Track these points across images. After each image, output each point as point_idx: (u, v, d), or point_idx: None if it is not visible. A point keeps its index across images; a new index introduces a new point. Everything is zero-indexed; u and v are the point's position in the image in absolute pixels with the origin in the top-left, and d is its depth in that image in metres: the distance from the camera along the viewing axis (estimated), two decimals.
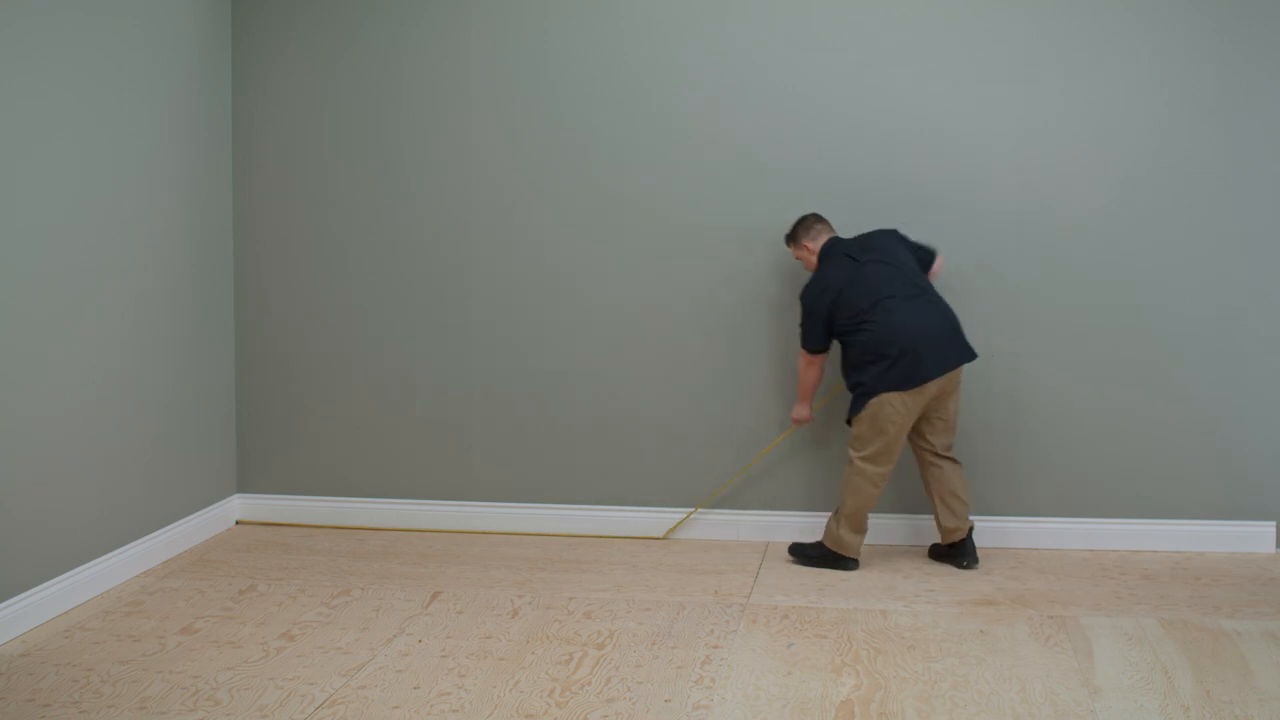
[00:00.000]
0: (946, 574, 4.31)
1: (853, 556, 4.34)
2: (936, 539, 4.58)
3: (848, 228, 4.60)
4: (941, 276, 4.50)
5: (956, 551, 4.39)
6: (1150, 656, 3.47)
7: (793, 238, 4.46)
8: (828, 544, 4.36)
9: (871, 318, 4.16)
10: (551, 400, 4.90)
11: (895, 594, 4.09)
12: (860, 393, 4.21)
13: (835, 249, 4.33)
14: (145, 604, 4.04)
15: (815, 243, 4.41)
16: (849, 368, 4.28)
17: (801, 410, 4.55)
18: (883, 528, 4.70)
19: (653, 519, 4.84)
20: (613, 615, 3.89)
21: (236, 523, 5.11)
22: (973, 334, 4.50)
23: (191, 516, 4.76)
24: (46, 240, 3.88)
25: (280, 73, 4.98)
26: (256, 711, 3.14)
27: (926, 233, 4.55)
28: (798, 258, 4.50)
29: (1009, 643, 3.60)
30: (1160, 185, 4.50)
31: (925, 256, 4.40)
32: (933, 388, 4.16)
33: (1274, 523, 4.55)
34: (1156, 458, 4.58)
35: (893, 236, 4.36)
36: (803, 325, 4.36)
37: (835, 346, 4.50)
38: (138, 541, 4.39)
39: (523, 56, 4.82)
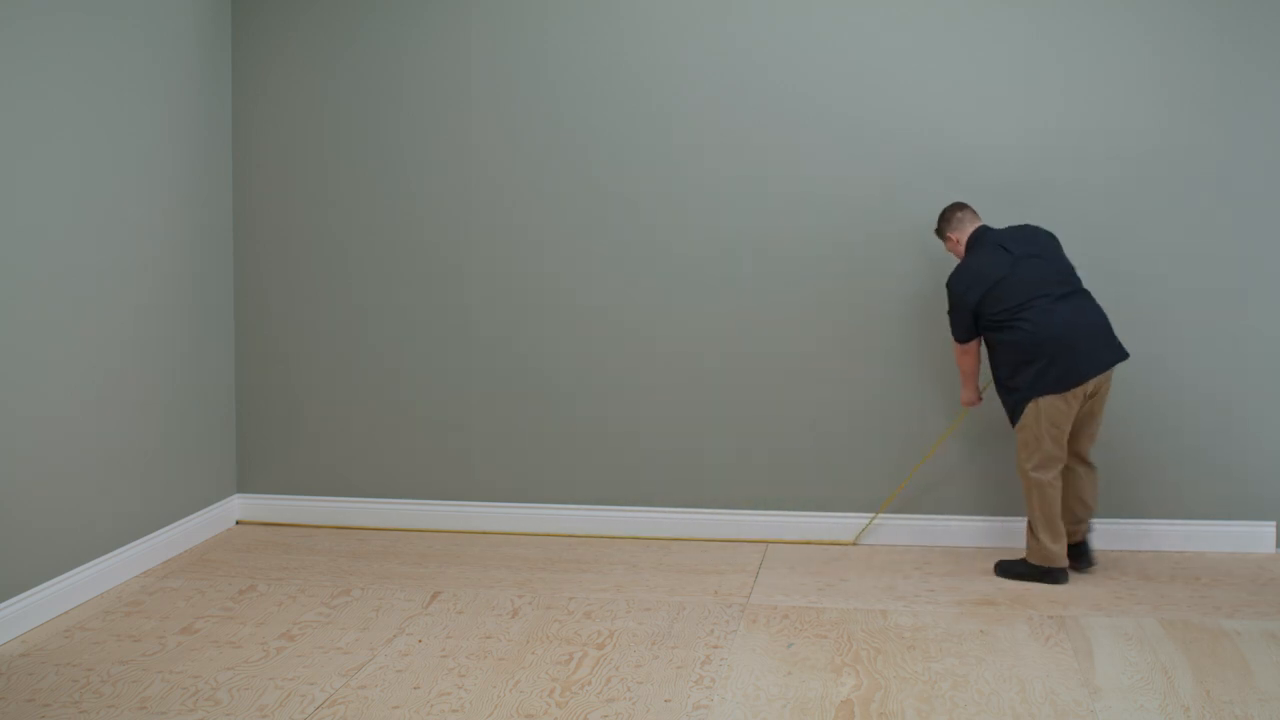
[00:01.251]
0: (946, 574, 4.31)
1: (1061, 566, 4.16)
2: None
3: (848, 228, 4.61)
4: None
5: (1071, 554, 4.28)
6: (1150, 656, 3.47)
7: (939, 232, 4.37)
8: (1034, 560, 4.19)
9: (1024, 316, 4.05)
10: (550, 399, 4.90)
11: (895, 594, 4.09)
12: (1017, 398, 4.12)
13: (986, 237, 4.21)
14: (145, 604, 4.04)
15: (959, 232, 4.28)
16: (999, 365, 4.18)
17: (968, 394, 4.40)
18: (884, 527, 4.70)
19: (654, 519, 4.85)
20: (613, 615, 3.89)
21: (236, 523, 5.11)
22: None
23: (191, 516, 4.76)
24: (46, 240, 3.88)
25: (280, 73, 4.98)
26: (256, 711, 3.14)
27: (926, 231, 4.55)
28: (949, 250, 4.38)
29: (1009, 643, 3.60)
30: (1160, 185, 4.50)
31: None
32: (1088, 388, 4.07)
33: (1274, 523, 4.55)
34: (1157, 458, 4.58)
35: (1049, 235, 4.24)
36: (950, 314, 4.23)
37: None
38: (138, 541, 4.39)
39: (523, 56, 4.82)
